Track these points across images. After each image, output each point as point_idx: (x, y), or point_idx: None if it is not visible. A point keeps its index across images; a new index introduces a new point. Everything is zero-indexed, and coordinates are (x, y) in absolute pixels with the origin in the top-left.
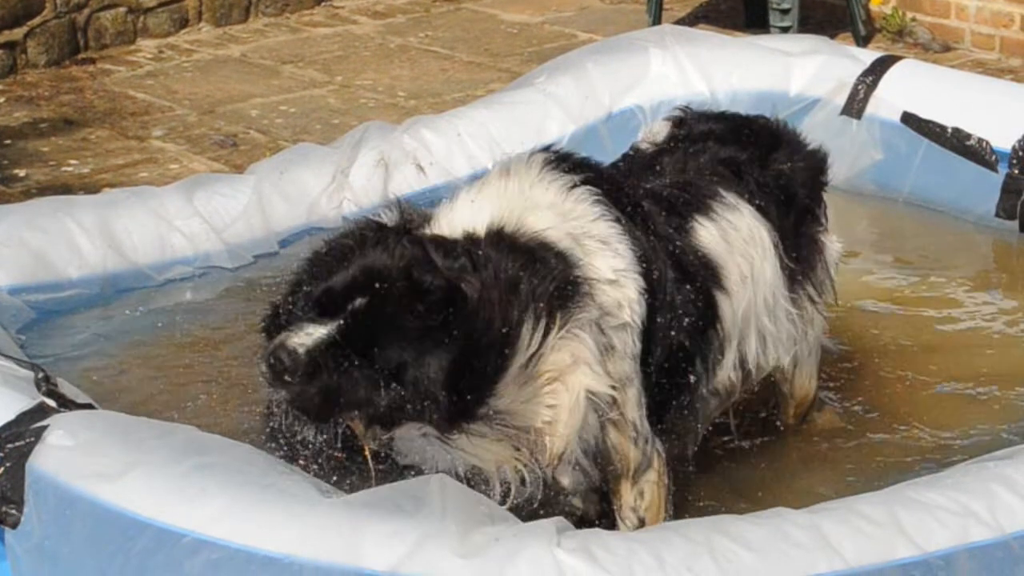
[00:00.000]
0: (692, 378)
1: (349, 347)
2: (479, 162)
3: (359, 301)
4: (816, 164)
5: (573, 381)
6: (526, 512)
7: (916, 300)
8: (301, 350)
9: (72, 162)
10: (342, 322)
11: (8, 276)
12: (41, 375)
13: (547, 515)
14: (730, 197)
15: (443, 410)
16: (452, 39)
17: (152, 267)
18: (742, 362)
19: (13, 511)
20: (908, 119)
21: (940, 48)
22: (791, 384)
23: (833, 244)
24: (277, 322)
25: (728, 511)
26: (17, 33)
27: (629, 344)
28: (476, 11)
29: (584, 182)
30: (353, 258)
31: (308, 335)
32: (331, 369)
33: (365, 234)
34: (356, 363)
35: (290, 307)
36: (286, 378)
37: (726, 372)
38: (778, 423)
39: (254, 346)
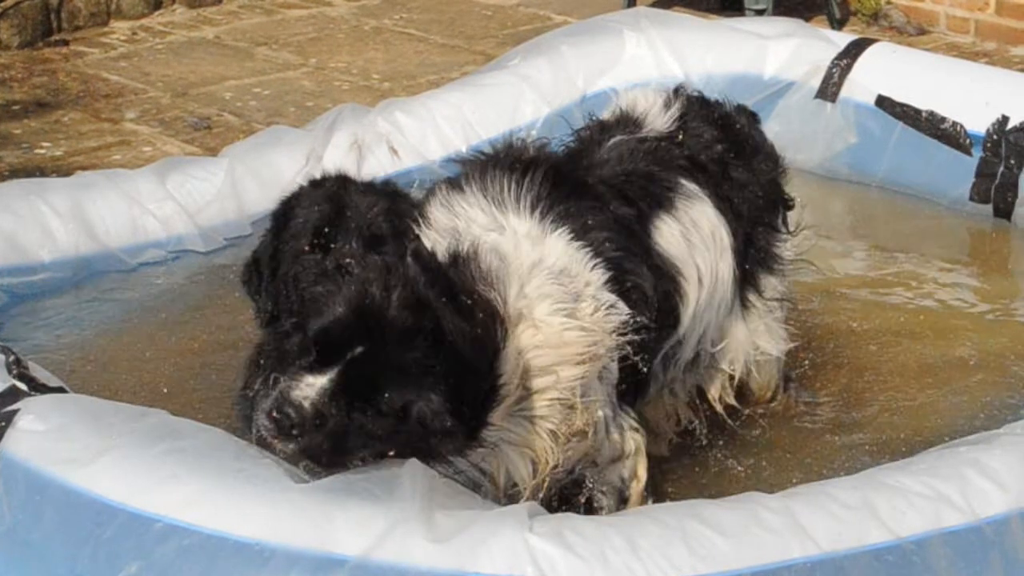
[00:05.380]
0: (648, 375)
1: (351, 393)
2: (453, 145)
3: (357, 348)
4: (775, 171)
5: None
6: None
7: (889, 284)
8: (307, 403)
9: (45, 144)
10: (342, 369)
11: None
12: (12, 358)
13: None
14: (693, 190)
15: (457, 433)
16: (427, 21)
17: (125, 250)
18: (696, 359)
19: None
20: (882, 102)
21: (915, 31)
22: (750, 384)
23: (786, 252)
24: (257, 273)
25: (701, 496)
26: None
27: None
28: None
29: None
30: (346, 296)
31: (310, 386)
32: (336, 417)
33: (357, 263)
34: (359, 407)
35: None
36: (293, 432)
37: (679, 369)
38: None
39: (230, 322)
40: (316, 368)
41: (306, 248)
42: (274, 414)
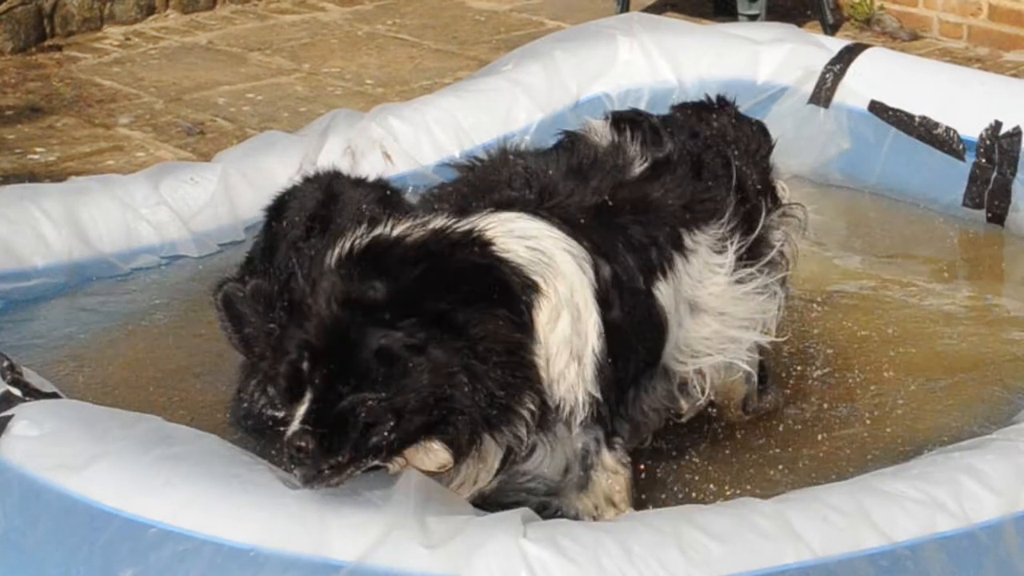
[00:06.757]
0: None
1: (324, 399)
2: (446, 150)
3: (318, 378)
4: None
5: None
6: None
7: (882, 289)
8: (300, 418)
9: (38, 150)
10: (313, 389)
11: None
12: (6, 364)
13: None
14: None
15: None
16: (420, 27)
17: (118, 256)
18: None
19: None
20: (875, 108)
21: (908, 36)
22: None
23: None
24: (251, 272)
25: (694, 501)
26: None
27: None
28: None
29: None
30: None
31: (297, 413)
32: (328, 407)
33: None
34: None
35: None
36: (305, 450)
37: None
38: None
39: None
40: (293, 400)
41: (302, 234)
42: (291, 455)
